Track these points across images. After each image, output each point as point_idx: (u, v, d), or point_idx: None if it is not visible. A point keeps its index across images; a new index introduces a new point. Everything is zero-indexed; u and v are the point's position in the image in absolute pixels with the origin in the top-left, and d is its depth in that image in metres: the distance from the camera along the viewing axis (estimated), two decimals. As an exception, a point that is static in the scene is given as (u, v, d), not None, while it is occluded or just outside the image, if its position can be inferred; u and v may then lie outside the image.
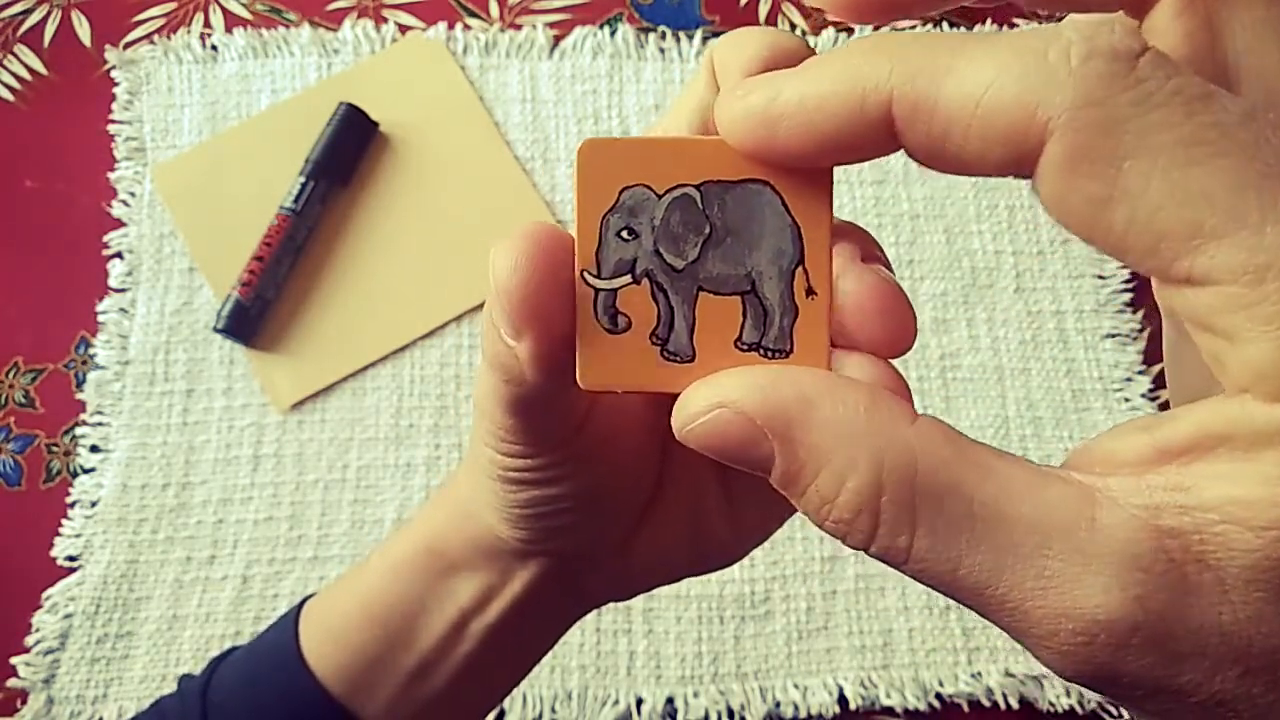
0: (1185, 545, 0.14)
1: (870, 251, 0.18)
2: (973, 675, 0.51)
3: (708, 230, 0.17)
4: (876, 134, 0.15)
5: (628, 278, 0.17)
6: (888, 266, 0.18)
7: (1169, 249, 0.13)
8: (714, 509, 0.26)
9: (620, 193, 0.17)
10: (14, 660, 0.51)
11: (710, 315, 0.18)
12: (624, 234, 0.17)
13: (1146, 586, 0.14)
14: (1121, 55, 0.13)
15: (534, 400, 0.20)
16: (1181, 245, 0.13)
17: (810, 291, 0.17)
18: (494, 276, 0.17)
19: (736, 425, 0.16)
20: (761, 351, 0.17)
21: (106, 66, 0.63)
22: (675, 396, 0.18)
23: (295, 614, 0.30)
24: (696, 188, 0.17)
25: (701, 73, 0.20)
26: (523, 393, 0.20)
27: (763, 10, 0.65)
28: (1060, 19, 0.16)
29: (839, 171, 0.58)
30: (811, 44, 0.63)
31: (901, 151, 0.16)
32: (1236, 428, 0.14)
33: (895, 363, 0.17)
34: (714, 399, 0.16)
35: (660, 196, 0.17)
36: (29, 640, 0.52)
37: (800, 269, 0.17)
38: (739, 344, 0.18)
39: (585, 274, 0.18)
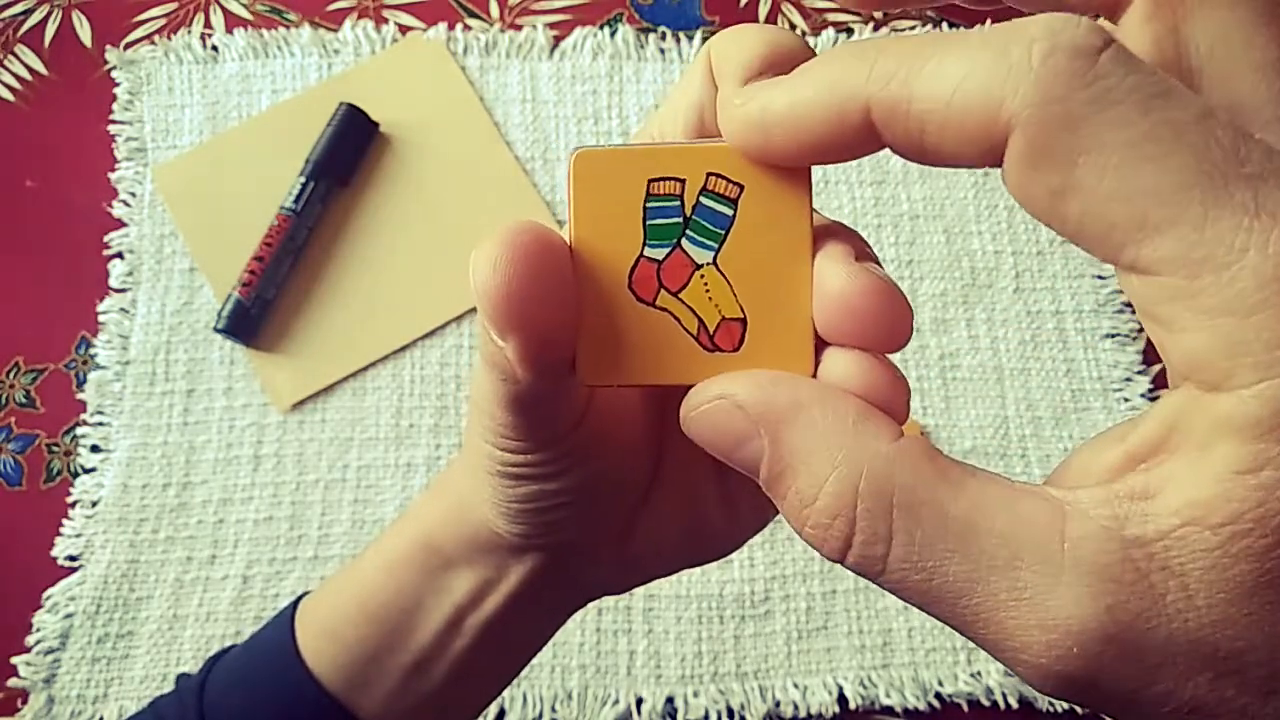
0: (1150, 553, 0.14)
1: (862, 251, 0.18)
2: (972, 675, 0.51)
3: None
4: (859, 135, 0.16)
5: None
6: (879, 265, 0.19)
7: (1117, 239, 0.14)
8: (709, 501, 0.26)
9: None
10: (15, 660, 0.51)
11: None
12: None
13: (1116, 596, 0.14)
14: (1082, 52, 0.14)
15: (531, 397, 0.20)
16: (1128, 236, 0.14)
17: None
18: (474, 279, 0.17)
19: (732, 418, 0.17)
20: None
21: (107, 67, 0.63)
22: (675, 389, 0.19)
23: (291, 611, 0.30)
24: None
25: (698, 70, 0.20)
26: (519, 390, 0.20)
27: (762, 11, 0.65)
28: None
29: (838, 172, 0.59)
30: (810, 43, 0.63)
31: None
32: (1190, 423, 0.14)
33: (894, 360, 0.18)
34: (716, 391, 0.18)
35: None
36: (30, 640, 0.52)
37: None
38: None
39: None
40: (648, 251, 0.19)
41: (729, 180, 0.18)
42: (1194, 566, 0.13)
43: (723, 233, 0.18)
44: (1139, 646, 0.14)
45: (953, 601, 0.15)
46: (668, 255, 0.19)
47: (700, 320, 0.19)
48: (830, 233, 0.19)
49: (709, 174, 0.18)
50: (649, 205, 0.18)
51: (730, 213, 0.18)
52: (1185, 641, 0.14)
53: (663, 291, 0.19)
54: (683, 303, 0.19)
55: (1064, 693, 0.15)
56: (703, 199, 0.18)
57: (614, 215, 0.19)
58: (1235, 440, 0.13)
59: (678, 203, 0.18)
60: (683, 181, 0.18)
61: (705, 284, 0.19)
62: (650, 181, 0.18)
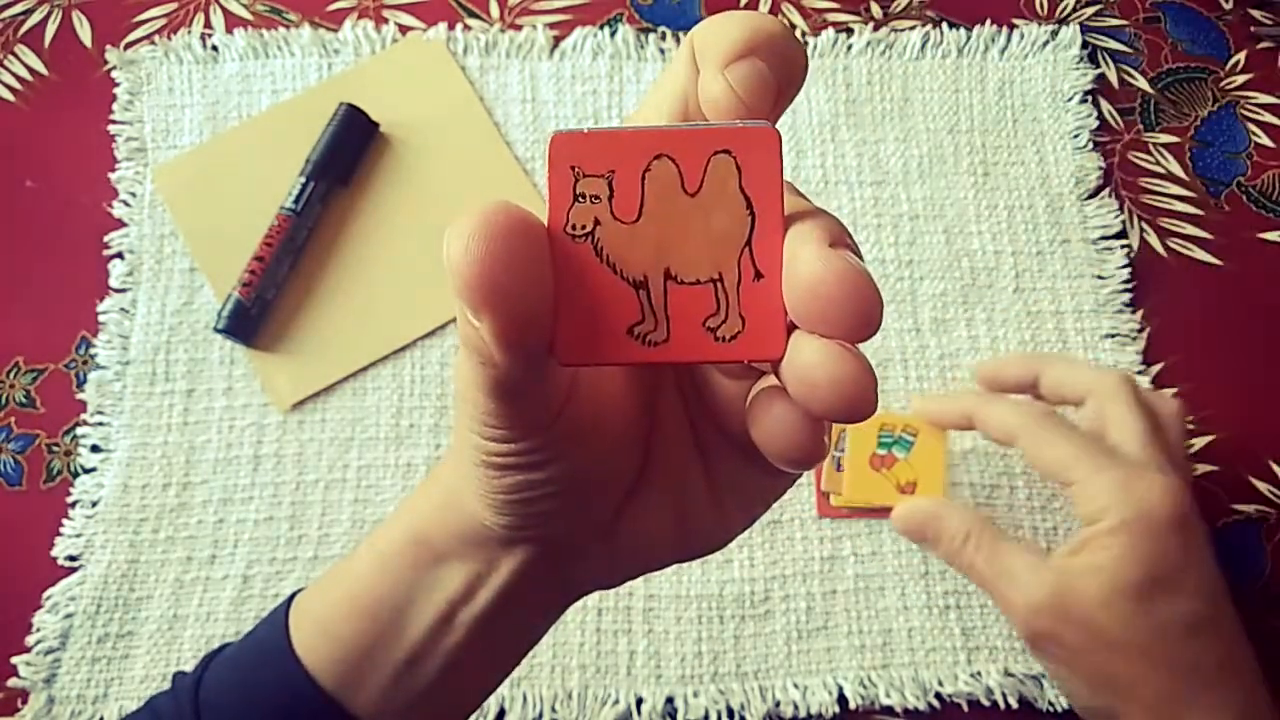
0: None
1: (838, 237, 0.18)
2: (972, 675, 0.51)
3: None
4: None
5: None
6: (856, 253, 0.19)
7: None
8: (698, 493, 0.26)
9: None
10: (14, 660, 0.51)
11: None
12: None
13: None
14: None
15: (511, 382, 0.20)
16: None
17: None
18: (447, 257, 0.17)
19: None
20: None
21: (107, 67, 0.63)
22: (655, 367, 0.19)
23: (285, 608, 0.30)
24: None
25: (681, 57, 0.20)
26: (498, 375, 0.19)
27: (762, 10, 0.65)
28: None
29: (838, 172, 0.59)
30: (808, 44, 0.63)
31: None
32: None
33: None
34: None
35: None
36: (29, 640, 0.52)
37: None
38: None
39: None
40: None
41: None
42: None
43: None
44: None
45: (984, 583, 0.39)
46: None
47: None
48: (806, 215, 0.19)
49: None
50: None
51: None
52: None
53: None
54: None
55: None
56: None
57: None
58: None
59: None
60: None
61: None
62: None
